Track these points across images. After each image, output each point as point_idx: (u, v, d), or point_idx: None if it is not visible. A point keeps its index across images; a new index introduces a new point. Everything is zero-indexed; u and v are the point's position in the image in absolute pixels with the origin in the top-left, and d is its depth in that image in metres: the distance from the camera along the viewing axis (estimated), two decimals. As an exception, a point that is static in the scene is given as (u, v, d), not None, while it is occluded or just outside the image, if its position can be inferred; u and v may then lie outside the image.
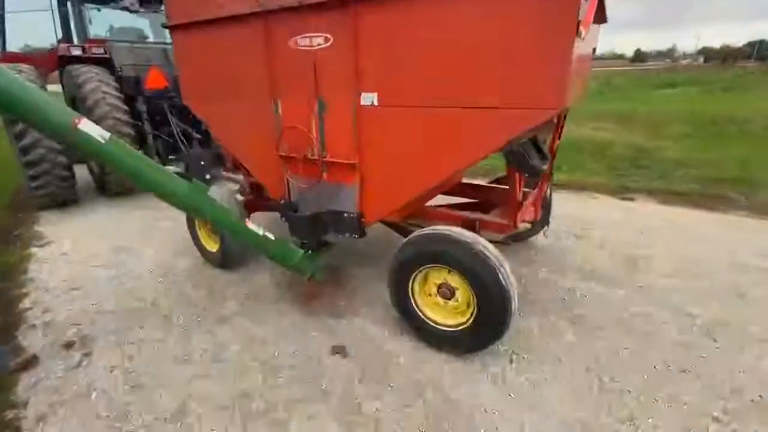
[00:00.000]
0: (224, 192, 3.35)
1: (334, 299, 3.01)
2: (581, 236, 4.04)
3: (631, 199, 5.26)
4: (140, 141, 5.65)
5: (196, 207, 2.16)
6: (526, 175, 2.39)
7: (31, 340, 2.63)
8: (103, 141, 1.76)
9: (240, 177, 3.95)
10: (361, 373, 2.27)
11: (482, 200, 3.45)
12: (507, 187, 3.24)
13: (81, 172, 5.95)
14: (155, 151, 5.81)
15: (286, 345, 2.52)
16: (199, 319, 2.83)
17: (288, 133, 2.71)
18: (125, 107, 5.37)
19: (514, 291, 2.10)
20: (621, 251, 3.70)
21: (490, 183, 3.74)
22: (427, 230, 2.33)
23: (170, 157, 6.01)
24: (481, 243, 2.13)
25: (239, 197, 3.46)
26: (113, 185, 5.67)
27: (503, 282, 2.06)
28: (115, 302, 3.07)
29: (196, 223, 3.52)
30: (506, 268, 2.10)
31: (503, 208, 3.14)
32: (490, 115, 1.89)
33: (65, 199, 5.34)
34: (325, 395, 2.13)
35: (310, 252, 2.83)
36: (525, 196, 2.91)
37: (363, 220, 2.67)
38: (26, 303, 3.10)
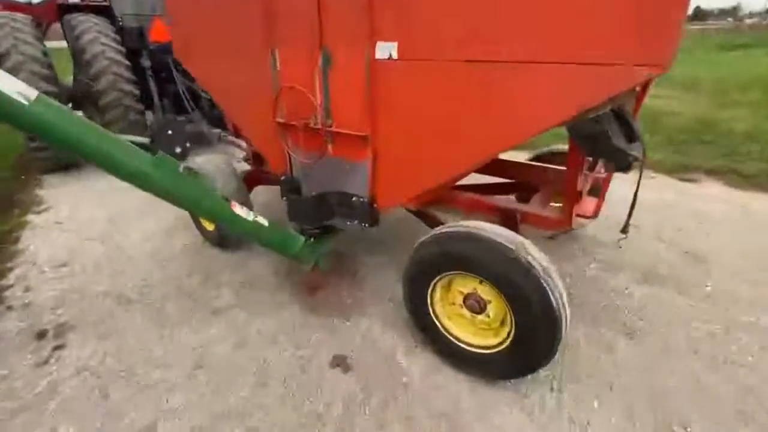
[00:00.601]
0: (218, 162, 2.91)
1: (339, 293, 2.60)
2: (635, 225, 3.41)
3: (693, 180, 4.51)
4: (145, 100, 5.25)
5: (160, 187, 1.73)
6: (612, 164, 1.79)
7: (3, 326, 2.38)
8: (25, 102, 1.32)
9: (245, 143, 3.52)
10: (364, 394, 1.88)
11: (519, 180, 2.89)
12: (551, 166, 2.67)
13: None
14: (162, 110, 5.41)
15: (280, 349, 2.15)
16: (190, 310, 2.49)
17: (286, 95, 2.21)
18: (127, 62, 4.93)
19: (567, 313, 1.61)
20: (682, 244, 3.09)
21: (530, 159, 3.15)
22: (451, 227, 1.83)
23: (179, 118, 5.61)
24: (524, 248, 1.62)
25: (237, 169, 3.02)
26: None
27: (552, 301, 1.56)
28: (102, 284, 2.77)
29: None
30: (556, 282, 1.60)
31: (545, 192, 2.58)
32: (566, 72, 1.32)
33: (67, 163, 5.07)
34: (320, 422, 1.76)
35: (312, 240, 2.39)
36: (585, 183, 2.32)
37: (375, 206, 2.19)
38: (10, 279, 2.86)
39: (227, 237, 3.01)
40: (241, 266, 2.93)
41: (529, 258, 1.59)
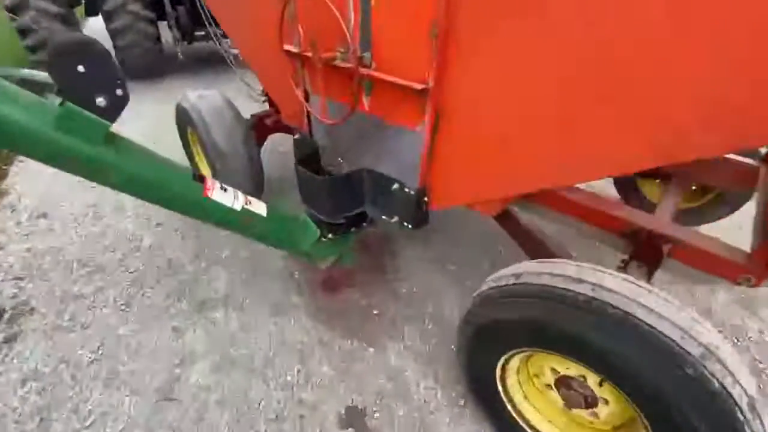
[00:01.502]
0: (215, 102, 2.17)
1: (363, 299, 1.95)
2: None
3: None
4: (156, 7, 4.41)
5: (66, 158, 1.03)
6: None
7: (-46, 297, 1.96)
8: None
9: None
10: (386, 485, 1.30)
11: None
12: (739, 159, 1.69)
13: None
14: (176, 22, 4.57)
15: (269, 389, 1.58)
16: (171, 300, 1.95)
17: (302, 8, 1.36)
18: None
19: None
20: None
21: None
22: (542, 270, 1.05)
23: (196, 33, 4.76)
24: (716, 357, 0.83)
25: (238, 111, 2.27)
26: (131, 62, 4.68)
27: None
28: (78, 249, 2.27)
29: (189, 136, 2.44)
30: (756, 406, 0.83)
31: (676, 191, 1.68)
32: None
33: None
34: None
35: (330, 235, 1.68)
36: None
37: (425, 200, 1.42)
38: (-18, 229, 2.42)
39: None
40: (243, 239, 2.31)
41: (726, 380, 0.81)
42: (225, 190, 1.37)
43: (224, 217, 1.37)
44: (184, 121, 2.28)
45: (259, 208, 1.47)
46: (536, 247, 1.51)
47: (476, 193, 1.31)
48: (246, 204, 1.41)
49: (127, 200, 2.62)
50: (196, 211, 1.32)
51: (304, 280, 2.04)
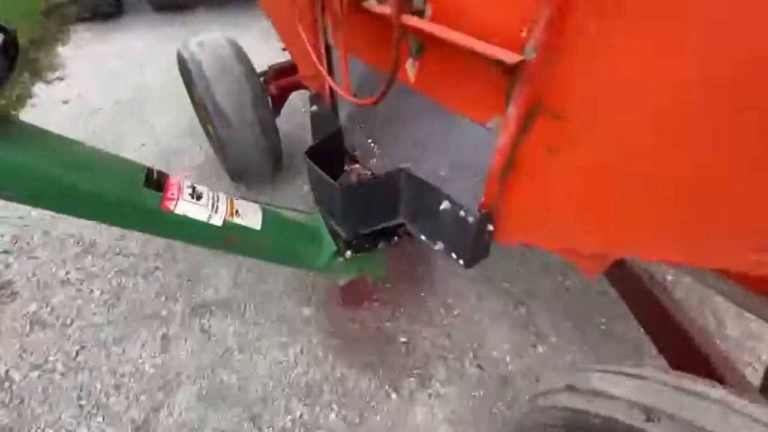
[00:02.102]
0: (220, 49, 1.69)
1: (390, 319, 1.56)
2: None
3: None
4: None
5: None
6: None
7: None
8: None
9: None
10: None
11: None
12: None
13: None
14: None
15: (268, 430, 1.27)
16: (164, 299, 1.65)
17: None
18: None
19: None
20: None
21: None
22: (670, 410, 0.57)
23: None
24: None
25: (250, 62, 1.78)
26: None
27: None
28: (72, 222, 2.00)
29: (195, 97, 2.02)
30: None
31: None
32: None
33: (107, 12, 4.21)
34: None
35: (349, 253, 1.25)
36: None
37: (489, 230, 0.93)
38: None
39: (227, 156, 1.90)
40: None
41: None
42: (198, 197, 0.95)
43: (197, 236, 0.97)
44: (185, 76, 1.84)
45: (252, 218, 1.05)
46: (659, 323, 1.00)
47: (575, 238, 0.81)
48: (230, 216, 1.00)
49: (132, 153, 2.30)
50: (151, 227, 0.92)
51: (318, 288, 1.66)
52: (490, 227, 0.94)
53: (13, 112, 2.78)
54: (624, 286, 1.10)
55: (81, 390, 1.37)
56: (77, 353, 1.47)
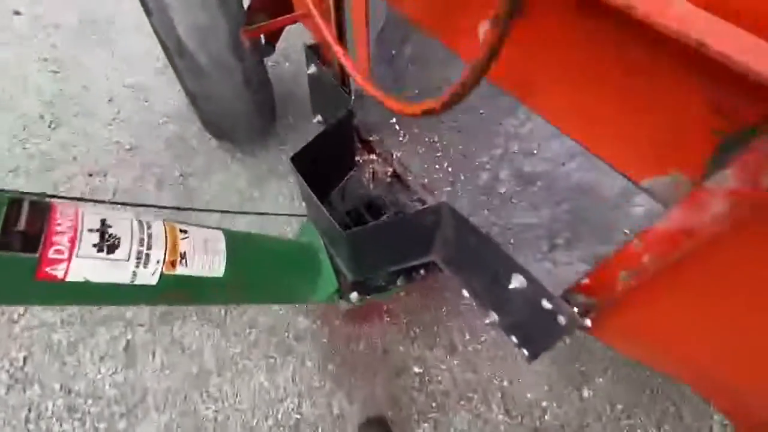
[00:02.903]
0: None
1: (401, 343, 1.27)
2: None
3: None
4: None
5: None
6: None
7: None
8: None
9: None
10: None
11: None
12: None
13: None
14: None
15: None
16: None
17: None
18: None
19: None
20: None
21: None
22: None
23: None
24: None
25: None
26: None
27: None
28: (25, 179, 1.64)
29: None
30: None
31: None
32: None
33: None
34: None
35: (354, 297, 0.90)
36: None
37: (587, 322, 0.56)
38: None
39: (209, 122, 1.50)
40: (258, 200, 1.58)
41: None
42: (111, 247, 0.58)
43: (115, 300, 0.62)
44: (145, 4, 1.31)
45: (208, 262, 0.69)
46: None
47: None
48: (171, 267, 0.63)
49: (97, 96, 1.86)
50: (30, 300, 0.57)
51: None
52: (588, 322, 0.58)
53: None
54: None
55: (28, 408, 1.14)
56: (25, 360, 1.22)
